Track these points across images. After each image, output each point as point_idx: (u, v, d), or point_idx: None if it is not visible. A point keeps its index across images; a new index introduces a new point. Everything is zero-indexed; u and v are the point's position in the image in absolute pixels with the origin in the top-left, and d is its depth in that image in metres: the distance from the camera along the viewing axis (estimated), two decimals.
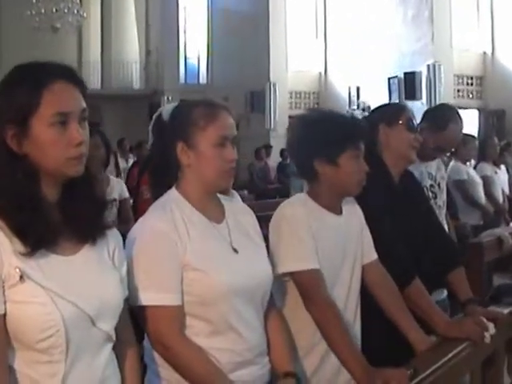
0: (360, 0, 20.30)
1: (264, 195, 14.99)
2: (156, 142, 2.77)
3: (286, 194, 14.87)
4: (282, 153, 18.90)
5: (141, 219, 2.63)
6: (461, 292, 3.62)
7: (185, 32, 28.03)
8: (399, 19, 18.47)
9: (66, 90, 2.06)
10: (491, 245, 6.37)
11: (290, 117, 22.09)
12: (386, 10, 18.93)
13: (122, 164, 12.42)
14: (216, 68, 26.46)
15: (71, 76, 2.10)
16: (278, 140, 20.08)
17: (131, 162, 13.26)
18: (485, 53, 19.53)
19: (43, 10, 21.04)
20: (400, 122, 3.63)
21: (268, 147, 19.18)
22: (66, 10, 21.14)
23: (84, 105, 2.10)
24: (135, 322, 2.43)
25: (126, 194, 6.45)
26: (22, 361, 2.00)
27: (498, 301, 3.73)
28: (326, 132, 3.02)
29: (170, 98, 25.27)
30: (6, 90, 2.05)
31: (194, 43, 28.04)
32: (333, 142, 3.01)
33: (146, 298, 2.45)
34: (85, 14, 22.65)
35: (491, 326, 3.19)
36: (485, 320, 3.22)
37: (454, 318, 3.43)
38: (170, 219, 2.54)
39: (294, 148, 3.21)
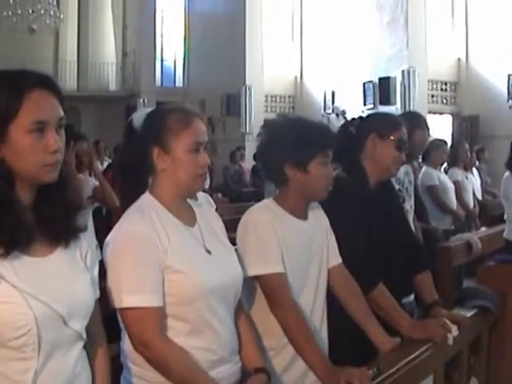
0: (336, 5, 20.36)
1: (238, 198, 15.00)
2: (127, 146, 2.82)
3: (261, 198, 14.91)
4: (255, 156, 18.92)
5: (119, 223, 2.68)
6: (426, 294, 3.70)
7: (162, 35, 28.05)
8: (375, 25, 18.53)
9: (44, 98, 2.10)
10: (460, 249, 6.48)
11: (265, 120, 22.11)
12: (361, 16, 18.99)
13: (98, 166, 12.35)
14: (192, 71, 26.47)
15: (50, 84, 2.14)
16: (254, 144, 20.07)
17: (106, 164, 13.21)
18: (459, 59, 19.65)
19: (20, 11, 20.95)
20: (391, 138, 3.69)
21: (241, 149, 19.18)
22: (42, 12, 21.07)
23: (62, 113, 2.14)
24: (109, 322, 2.48)
25: (96, 182, 6.56)
26: None
27: (462, 304, 3.80)
28: (296, 138, 3.08)
29: (146, 100, 25.29)
30: None
31: (171, 46, 28.06)
32: (303, 149, 3.08)
33: (129, 300, 2.51)
34: (61, 16, 22.58)
35: (454, 328, 3.28)
36: (448, 322, 3.31)
37: (417, 320, 3.50)
38: (148, 222, 2.61)
39: (265, 153, 3.27)
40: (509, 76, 17.73)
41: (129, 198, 2.76)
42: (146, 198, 2.72)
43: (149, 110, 2.82)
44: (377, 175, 3.72)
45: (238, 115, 22.24)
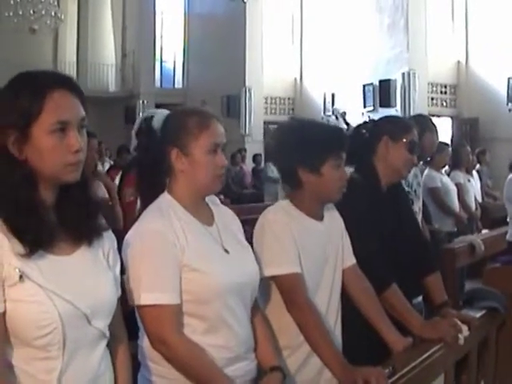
0: (336, 8, 20.39)
1: (239, 200, 15.04)
2: (145, 147, 2.85)
3: (261, 199, 14.99)
4: (254, 158, 18.94)
5: (138, 222, 2.72)
6: (436, 295, 3.75)
7: (161, 36, 28.04)
8: (375, 27, 18.57)
9: (66, 98, 2.13)
10: (463, 251, 6.52)
11: (265, 122, 22.18)
12: (362, 18, 19.03)
13: (98, 167, 12.32)
14: (192, 72, 26.44)
15: (72, 85, 2.17)
16: (253, 145, 20.13)
17: (107, 165, 13.20)
18: (459, 61, 19.72)
19: (21, 12, 20.95)
20: (404, 140, 3.76)
21: (242, 151, 19.22)
22: (43, 12, 21.06)
23: (83, 113, 2.17)
24: (127, 320, 2.51)
25: (106, 195, 6.57)
26: (20, 357, 2.06)
27: (471, 305, 3.84)
28: (309, 142, 3.13)
29: (145, 101, 25.28)
30: (8, 96, 2.11)
31: (170, 47, 28.05)
32: (315, 152, 3.12)
33: (147, 298, 2.55)
34: (62, 17, 22.57)
35: (465, 328, 3.32)
36: (459, 322, 3.35)
37: (429, 320, 3.54)
38: (167, 221, 2.65)
39: (277, 156, 3.31)
40: (508, 79, 17.82)
41: (147, 197, 2.80)
42: (165, 198, 2.76)
43: (166, 112, 2.86)
44: (388, 177, 3.77)
45: (238, 117, 22.18)
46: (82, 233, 2.21)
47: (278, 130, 3.40)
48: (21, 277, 2.02)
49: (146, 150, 2.84)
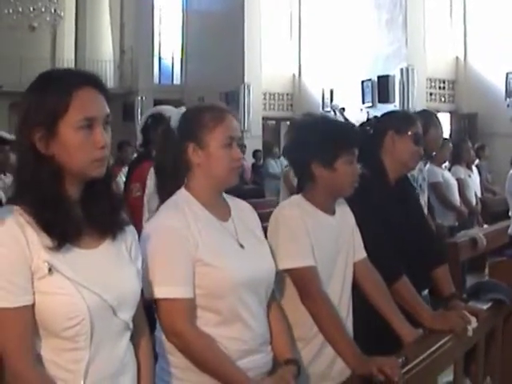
0: (335, 4, 20.40)
1: (240, 196, 15.03)
2: (163, 145, 2.92)
3: (262, 195, 14.98)
4: (254, 154, 18.96)
5: (154, 217, 2.80)
6: (444, 287, 3.81)
7: (159, 32, 28.05)
8: (374, 23, 18.58)
9: (92, 95, 2.19)
10: (465, 245, 6.60)
11: (263, 118, 22.20)
12: (360, 14, 19.04)
13: None
14: (190, 69, 26.42)
15: (97, 83, 2.23)
16: (252, 141, 20.13)
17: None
18: (457, 57, 19.73)
19: (21, 9, 20.95)
20: (409, 133, 3.82)
21: (243, 147, 19.20)
22: (43, 9, 21.06)
23: (108, 110, 2.23)
24: (147, 313, 2.56)
25: None
26: (48, 348, 2.11)
27: (478, 297, 3.90)
28: (323, 138, 3.19)
29: (143, 98, 25.30)
30: (35, 94, 2.16)
31: (169, 44, 28.07)
32: (329, 148, 3.19)
33: (161, 292, 2.61)
34: (62, 14, 22.58)
35: (474, 319, 3.39)
36: (467, 314, 3.42)
37: (438, 312, 3.60)
38: (182, 217, 2.70)
39: (292, 151, 3.38)
40: (507, 74, 17.83)
41: (167, 194, 2.85)
42: (181, 194, 2.81)
43: (175, 109, 2.91)
44: (396, 171, 3.84)
45: (237, 113, 21.99)
46: (107, 227, 2.26)
47: (293, 126, 3.48)
48: (50, 270, 2.07)
49: (164, 148, 2.90)
